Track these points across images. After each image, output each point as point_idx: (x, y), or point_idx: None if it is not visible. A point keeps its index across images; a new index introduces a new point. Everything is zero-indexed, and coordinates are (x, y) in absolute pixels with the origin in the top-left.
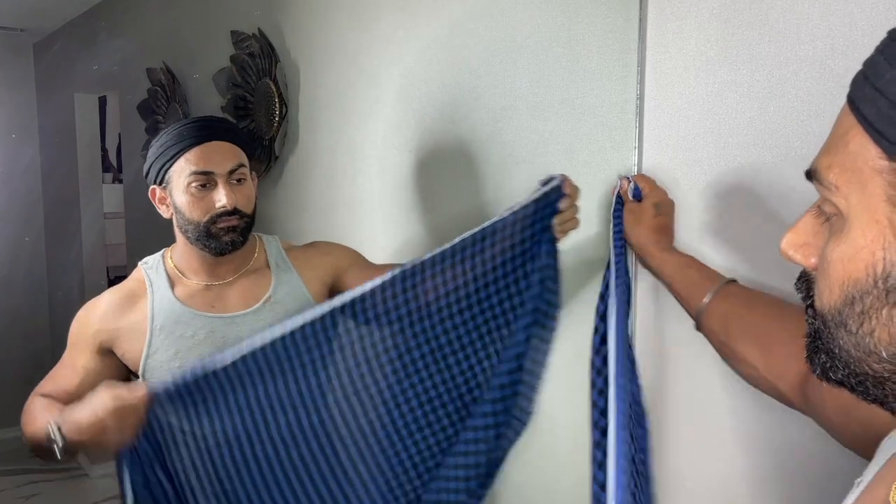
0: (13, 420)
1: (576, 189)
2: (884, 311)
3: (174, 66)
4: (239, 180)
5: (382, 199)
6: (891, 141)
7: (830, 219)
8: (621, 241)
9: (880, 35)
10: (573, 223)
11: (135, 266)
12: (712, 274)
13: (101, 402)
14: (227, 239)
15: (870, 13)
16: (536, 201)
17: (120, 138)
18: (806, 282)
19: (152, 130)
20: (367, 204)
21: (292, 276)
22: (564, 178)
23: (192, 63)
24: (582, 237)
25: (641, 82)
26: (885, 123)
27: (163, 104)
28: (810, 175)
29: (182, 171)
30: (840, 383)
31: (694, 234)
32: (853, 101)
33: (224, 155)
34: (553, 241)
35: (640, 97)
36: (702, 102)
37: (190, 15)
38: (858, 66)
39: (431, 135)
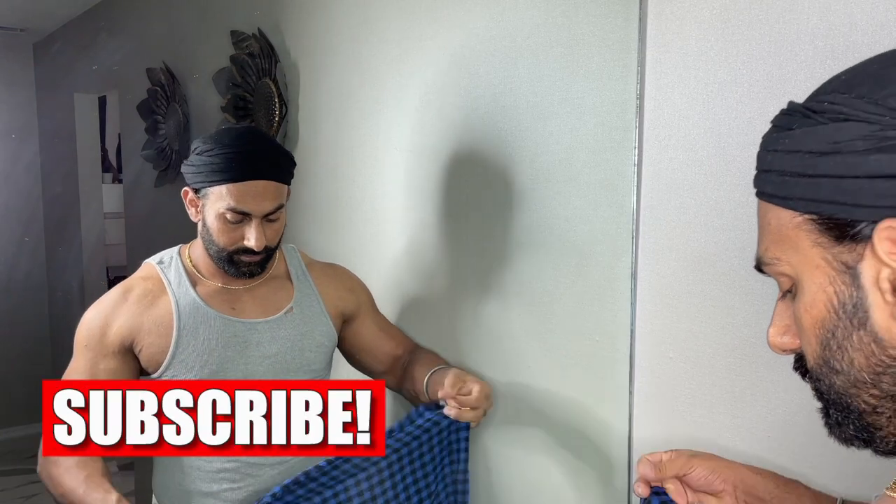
0: (13, 419)
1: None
2: (854, 337)
3: (174, 66)
4: (274, 219)
5: (382, 199)
6: (794, 199)
7: (791, 291)
8: None
9: (880, 35)
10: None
11: (136, 266)
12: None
13: None
14: (246, 270)
15: (870, 13)
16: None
17: (120, 138)
18: (800, 360)
19: (152, 130)
20: (366, 204)
21: (312, 293)
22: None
23: (192, 63)
24: (586, 239)
25: (641, 82)
26: (784, 189)
27: (163, 104)
28: (759, 266)
29: (219, 198)
30: (854, 438)
31: (694, 235)
32: (760, 192)
33: (265, 196)
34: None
35: (640, 97)
36: (702, 102)
37: (190, 15)
38: None
39: (431, 135)
